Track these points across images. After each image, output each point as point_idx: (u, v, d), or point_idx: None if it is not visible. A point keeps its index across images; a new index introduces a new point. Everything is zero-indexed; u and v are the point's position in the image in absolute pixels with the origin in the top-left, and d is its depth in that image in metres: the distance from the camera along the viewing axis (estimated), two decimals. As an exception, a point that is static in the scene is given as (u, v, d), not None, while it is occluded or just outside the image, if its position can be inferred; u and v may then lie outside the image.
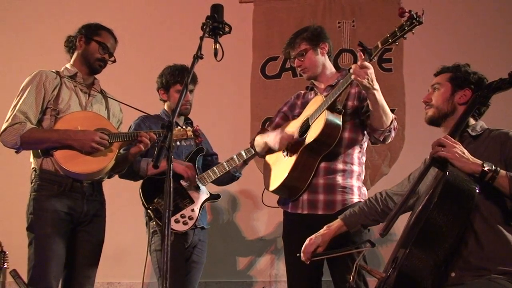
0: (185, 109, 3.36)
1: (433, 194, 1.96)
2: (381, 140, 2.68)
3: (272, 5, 4.69)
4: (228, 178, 3.48)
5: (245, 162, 3.41)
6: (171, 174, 1.79)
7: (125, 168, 3.02)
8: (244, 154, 3.34)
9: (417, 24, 2.22)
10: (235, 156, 3.33)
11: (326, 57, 2.87)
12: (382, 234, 1.99)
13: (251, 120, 4.54)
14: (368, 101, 2.56)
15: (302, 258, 2.47)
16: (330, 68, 2.89)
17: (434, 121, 2.26)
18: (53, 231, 2.68)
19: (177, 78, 3.33)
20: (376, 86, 2.46)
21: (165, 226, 1.73)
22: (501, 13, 4.45)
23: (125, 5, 4.76)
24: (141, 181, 3.19)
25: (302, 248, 2.47)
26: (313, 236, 2.47)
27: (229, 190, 3.50)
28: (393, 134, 2.68)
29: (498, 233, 1.96)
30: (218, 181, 3.45)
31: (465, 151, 1.99)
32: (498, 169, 1.93)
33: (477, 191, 1.90)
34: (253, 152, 3.27)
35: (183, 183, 3.21)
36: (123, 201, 3.74)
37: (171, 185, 1.77)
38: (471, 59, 2.24)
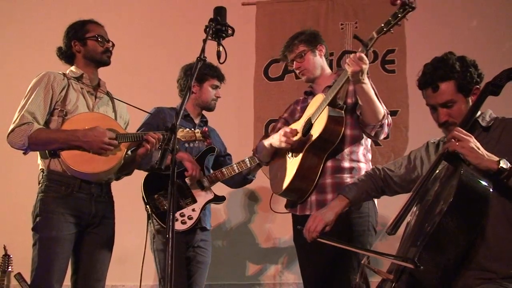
0: (213, 103, 3.35)
1: (444, 195, 1.91)
2: (373, 135, 2.66)
3: (274, 7, 4.69)
4: (240, 180, 3.43)
5: (259, 165, 3.31)
6: (175, 176, 1.79)
7: (133, 170, 3.01)
8: (248, 162, 3.27)
9: (410, 10, 2.22)
10: (247, 159, 3.27)
11: (324, 59, 2.90)
12: (390, 233, 1.94)
13: (254, 122, 4.55)
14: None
15: (306, 236, 2.35)
16: (328, 70, 2.92)
17: None
18: (58, 234, 2.66)
19: (215, 73, 3.29)
20: (366, 80, 2.46)
21: (169, 229, 1.73)
22: (505, 13, 4.44)
23: (129, 7, 4.77)
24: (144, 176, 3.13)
25: (307, 226, 2.35)
26: (318, 213, 2.37)
27: (234, 192, 3.49)
28: (385, 129, 2.65)
29: (507, 233, 1.92)
30: (230, 183, 3.43)
31: (480, 145, 1.93)
32: None
33: (491, 190, 1.85)
34: (256, 161, 3.22)
35: (188, 181, 3.16)
36: (126, 202, 3.71)
37: (175, 188, 1.77)
38: (474, 58, 2.22)
